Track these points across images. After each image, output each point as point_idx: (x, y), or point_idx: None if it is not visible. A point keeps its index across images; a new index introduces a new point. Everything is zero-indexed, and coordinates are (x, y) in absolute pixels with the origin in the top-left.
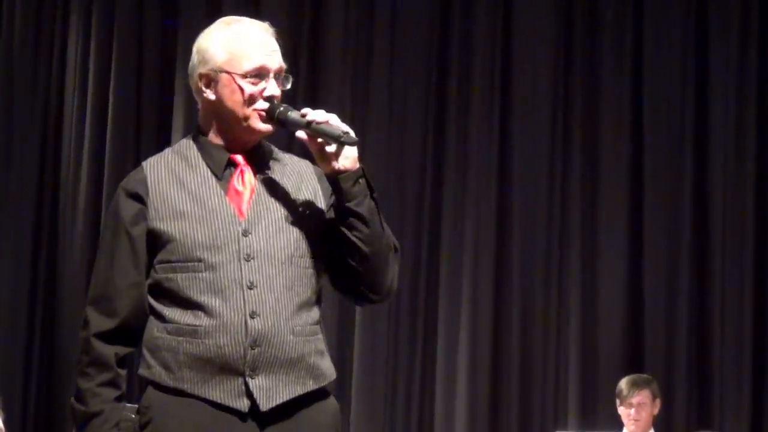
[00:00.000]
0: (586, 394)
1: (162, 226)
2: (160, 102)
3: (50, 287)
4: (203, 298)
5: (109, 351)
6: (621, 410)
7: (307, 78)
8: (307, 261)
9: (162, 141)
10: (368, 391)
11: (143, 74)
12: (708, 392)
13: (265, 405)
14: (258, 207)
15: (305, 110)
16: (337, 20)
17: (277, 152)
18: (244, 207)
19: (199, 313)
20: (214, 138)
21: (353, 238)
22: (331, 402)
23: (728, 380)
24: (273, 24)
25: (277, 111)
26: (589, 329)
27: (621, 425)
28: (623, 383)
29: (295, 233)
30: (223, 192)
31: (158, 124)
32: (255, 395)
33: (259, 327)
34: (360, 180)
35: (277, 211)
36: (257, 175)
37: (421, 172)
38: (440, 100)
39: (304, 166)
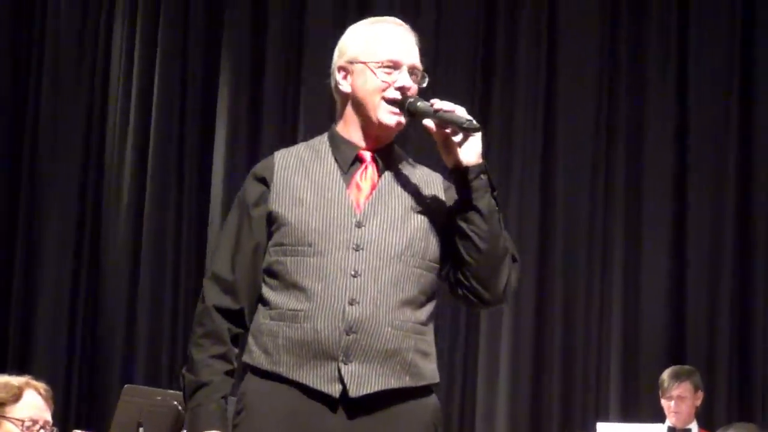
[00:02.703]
0: (628, 386)
1: (280, 210)
2: (205, 90)
3: (93, 277)
4: (307, 282)
5: (224, 325)
6: (663, 402)
7: None
8: (417, 261)
9: (207, 131)
10: None
11: (188, 61)
12: (750, 384)
13: (355, 391)
14: (376, 203)
15: (434, 100)
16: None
17: (410, 160)
18: (362, 201)
19: (302, 297)
20: (346, 133)
21: (470, 232)
22: (432, 400)
23: None
24: (318, 6)
25: (408, 101)
26: (632, 321)
27: (664, 417)
28: (665, 375)
29: (409, 232)
30: (344, 185)
31: (202, 114)
32: (346, 380)
33: (357, 314)
34: (482, 175)
35: (395, 209)
36: (382, 173)
37: None
38: (483, 106)
39: (433, 176)
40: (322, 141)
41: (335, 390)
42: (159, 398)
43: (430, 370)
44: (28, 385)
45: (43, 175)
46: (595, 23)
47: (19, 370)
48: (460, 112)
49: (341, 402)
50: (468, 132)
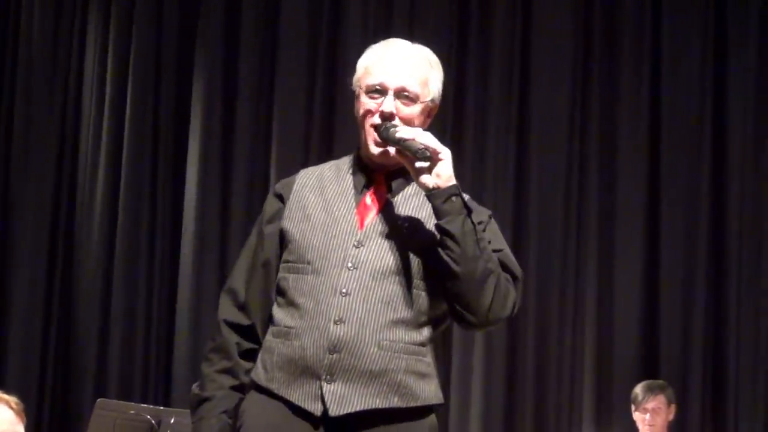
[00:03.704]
0: (601, 400)
1: (289, 226)
2: (178, 109)
3: (66, 291)
4: (302, 300)
5: (233, 339)
6: (636, 416)
7: (323, 89)
8: (415, 282)
9: (179, 149)
10: None
11: (161, 80)
12: (723, 398)
13: (335, 410)
14: (379, 223)
15: (398, 127)
16: (354, 32)
17: None
18: (367, 221)
19: (296, 314)
20: (363, 154)
21: (445, 256)
22: (427, 423)
23: (743, 386)
24: (291, 25)
25: (382, 127)
26: (605, 335)
27: (636, 431)
28: (638, 389)
29: (409, 254)
30: (354, 204)
31: (176, 132)
32: (327, 399)
33: (341, 333)
34: (453, 198)
35: (398, 230)
36: (394, 195)
37: None
38: (457, 112)
39: None
40: (348, 160)
41: (317, 409)
42: (132, 412)
43: (424, 390)
44: None
45: (15, 194)
46: (569, 20)
47: None
48: (422, 138)
49: (324, 421)
50: (421, 160)
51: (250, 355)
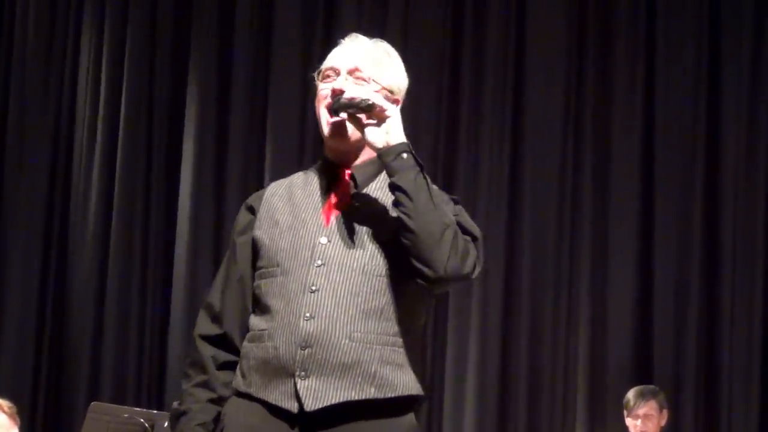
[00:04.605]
0: (594, 406)
1: (259, 234)
2: (172, 110)
3: (59, 297)
4: (273, 302)
5: (208, 353)
6: (628, 421)
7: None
8: (385, 271)
9: (173, 151)
10: None
11: (155, 83)
12: (716, 403)
13: (310, 405)
14: (346, 218)
15: (346, 92)
16: (349, 24)
17: None
18: (333, 217)
19: (268, 317)
20: (328, 153)
21: (400, 213)
22: (408, 416)
23: (737, 392)
24: (285, 27)
25: (335, 103)
26: (598, 339)
27: None
28: (630, 394)
29: (377, 245)
30: (321, 203)
31: (170, 133)
32: (302, 395)
33: (311, 329)
34: (403, 154)
35: (364, 222)
36: (361, 188)
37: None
38: (450, 114)
39: None
40: (316, 165)
41: (293, 406)
42: (126, 416)
43: (402, 381)
44: None
45: (9, 195)
46: (563, 21)
47: None
48: (367, 95)
49: (301, 418)
50: (366, 110)
51: (229, 366)
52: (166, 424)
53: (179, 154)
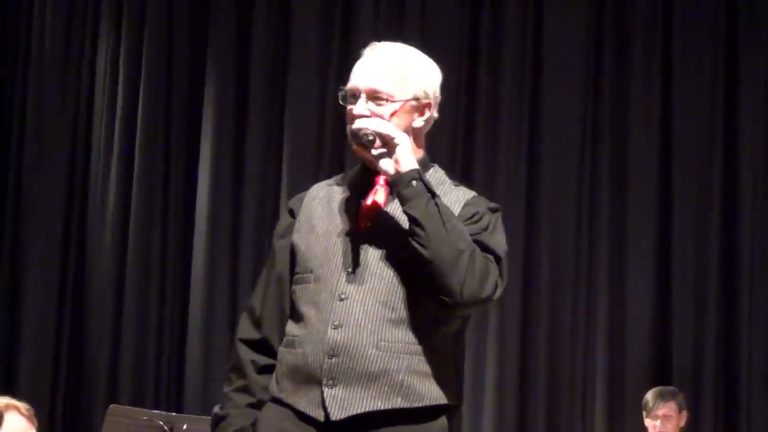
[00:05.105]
0: (613, 407)
1: (297, 239)
2: (190, 111)
3: (78, 297)
4: (305, 309)
5: (248, 357)
6: (647, 422)
7: (336, 77)
8: (413, 280)
9: (191, 152)
10: None
11: (173, 84)
12: (735, 405)
13: (336, 414)
14: (381, 224)
15: (356, 122)
16: (366, 33)
17: (449, 181)
18: (367, 225)
19: (301, 323)
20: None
21: (414, 243)
22: (437, 424)
23: (756, 393)
24: (303, 27)
25: (350, 131)
26: (617, 341)
27: None
28: (649, 395)
29: (407, 254)
30: (355, 211)
31: (188, 134)
32: (328, 404)
33: (339, 338)
34: (413, 182)
35: (396, 231)
36: (392, 197)
37: None
38: (468, 116)
39: (457, 193)
40: (357, 167)
41: (320, 414)
42: (145, 418)
43: (431, 391)
44: (8, 407)
45: (28, 196)
46: (581, 24)
47: (4, 392)
48: (374, 126)
49: (328, 427)
50: (368, 144)
51: (268, 370)
52: (185, 426)
53: (197, 155)
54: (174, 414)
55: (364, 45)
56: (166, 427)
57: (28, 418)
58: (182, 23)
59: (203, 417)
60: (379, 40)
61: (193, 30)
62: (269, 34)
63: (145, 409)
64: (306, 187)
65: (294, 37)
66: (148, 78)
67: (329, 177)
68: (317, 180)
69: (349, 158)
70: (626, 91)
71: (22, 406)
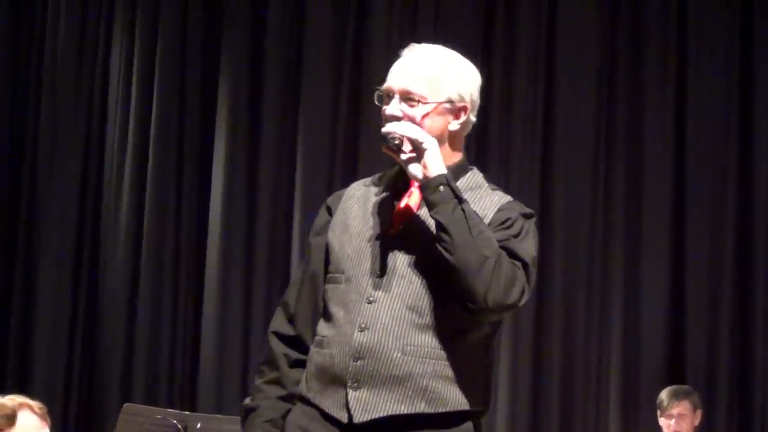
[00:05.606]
0: (627, 406)
1: (331, 238)
2: (203, 113)
3: (92, 297)
4: (335, 309)
5: (280, 350)
6: (661, 421)
7: (350, 78)
8: (442, 285)
9: (204, 153)
10: None
11: (186, 85)
12: (750, 404)
13: (359, 417)
14: (412, 228)
15: (386, 125)
16: (380, 32)
17: (486, 185)
18: (399, 227)
19: (330, 324)
20: None
21: (440, 248)
22: (462, 429)
23: None
24: (317, 28)
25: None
26: (631, 341)
27: None
28: (663, 394)
29: (437, 259)
30: (390, 212)
31: (201, 135)
32: (351, 406)
33: (364, 340)
34: (441, 187)
35: (428, 235)
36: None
37: None
38: (481, 117)
39: (492, 197)
40: (396, 168)
41: (343, 416)
42: (159, 417)
43: (456, 396)
44: (21, 406)
45: (42, 196)
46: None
47: (18, 390)
48: (402, 130)
49: (351, 429)
50: (394, 151)
51: (301, 365)
52: (199, 425)
53: (210, 155)
54: (188, 413)
55: (378, 46)
56: (179, 426)
57: (41, 416)
58: (196, 24)
59: (217, 416)
60: (392, 42)
61: (206, 30)
62: (283, 35)
63: (159, 408)
64: (319, 188)
65: (308, 39)
66: (161, 78)
67: (343, 178)
68: (331, 181)
69: (363, 160)
70: (640, 91)
71: (35, 404)
